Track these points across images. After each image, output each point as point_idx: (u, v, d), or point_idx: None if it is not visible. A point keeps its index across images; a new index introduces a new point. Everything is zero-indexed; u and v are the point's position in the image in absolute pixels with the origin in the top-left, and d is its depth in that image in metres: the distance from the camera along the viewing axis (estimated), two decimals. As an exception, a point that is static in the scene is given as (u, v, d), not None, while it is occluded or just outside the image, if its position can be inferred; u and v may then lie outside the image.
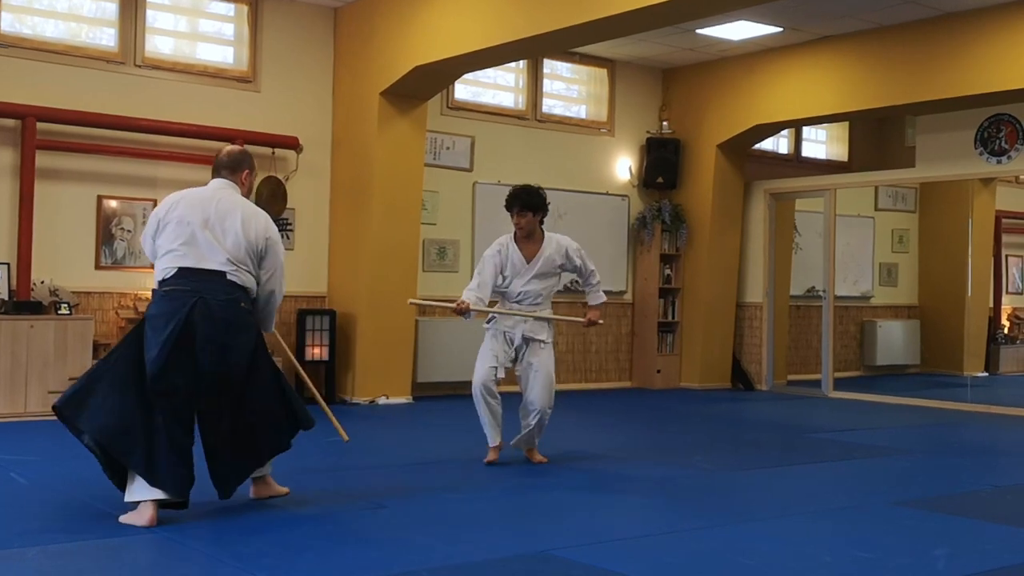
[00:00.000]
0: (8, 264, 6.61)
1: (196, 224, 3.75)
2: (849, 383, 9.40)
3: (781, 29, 8.13)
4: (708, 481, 4.92)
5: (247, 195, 3.98)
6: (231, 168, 3.93)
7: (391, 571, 3.18)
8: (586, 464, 5.31)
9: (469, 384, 5.00)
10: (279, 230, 7.90)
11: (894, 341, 10.65)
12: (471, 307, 4.78)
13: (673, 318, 9.46)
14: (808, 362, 9.77)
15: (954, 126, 8.35)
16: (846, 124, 10.52)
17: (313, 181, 7.86)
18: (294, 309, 7.63)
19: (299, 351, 7.49)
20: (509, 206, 4.94)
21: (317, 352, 7.52)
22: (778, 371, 9.53)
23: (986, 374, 10.06)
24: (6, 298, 6.50)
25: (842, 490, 4.85)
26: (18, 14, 6.84)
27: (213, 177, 3.95)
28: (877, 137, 10.68)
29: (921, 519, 4.15)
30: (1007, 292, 10.56)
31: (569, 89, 9.34)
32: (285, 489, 4.06)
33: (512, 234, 5.00)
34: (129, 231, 7.14)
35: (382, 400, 7.59)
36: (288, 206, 7.65)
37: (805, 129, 10.37)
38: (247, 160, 3.98)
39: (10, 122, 6.68)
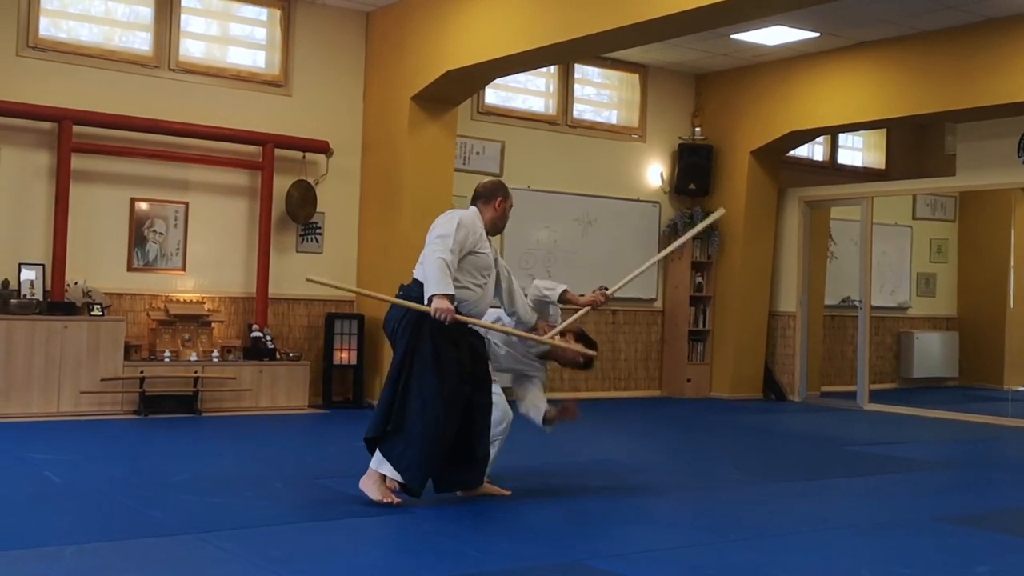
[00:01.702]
0: (43, 265, 6.66)
1: None
2: (885, 395, 9.22)
3: (818, 34, 8.02)
4: (741, 493, 4.83)
5: (498, 218, 4.31)
6: (485, 198, 4.33)
7: (420, 579, 3.14)
8: (616, 473, 5.24)
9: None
10: (309, 233, 7.90)
11: (932, 353, 10.45)
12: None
13: (704, 327, 9.35)
14: (842, 373, 9.60)
15: (996, 134, 8.19)
16: (883, 131, 10.36)
17: (343, 185, 7.86)
18: (323, 313, 7.62)
19: (327, 355, 7.49)
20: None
21: (345, 356, 7.51)
22: (811, 382, 9.37)
23: (1027, 388, 9.84)
24: (41, 299, 6.56)
25: (881, 504, 4.74)
26: (54, 18, 6.91)
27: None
28: (916, 145, 10.50)
29: (963, 535, 4.04)
30: (1049, 304, 10.33)
31: (600, 94, 9.27)
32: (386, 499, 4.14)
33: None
34: (161, 233, 7.18)
35: (410, 405, 7.55)
36: (318, 210, 7.66)
37: (841, 136, 10.22)
38: (500, 190, 4.36)
39: (46, 125, 6.75)
